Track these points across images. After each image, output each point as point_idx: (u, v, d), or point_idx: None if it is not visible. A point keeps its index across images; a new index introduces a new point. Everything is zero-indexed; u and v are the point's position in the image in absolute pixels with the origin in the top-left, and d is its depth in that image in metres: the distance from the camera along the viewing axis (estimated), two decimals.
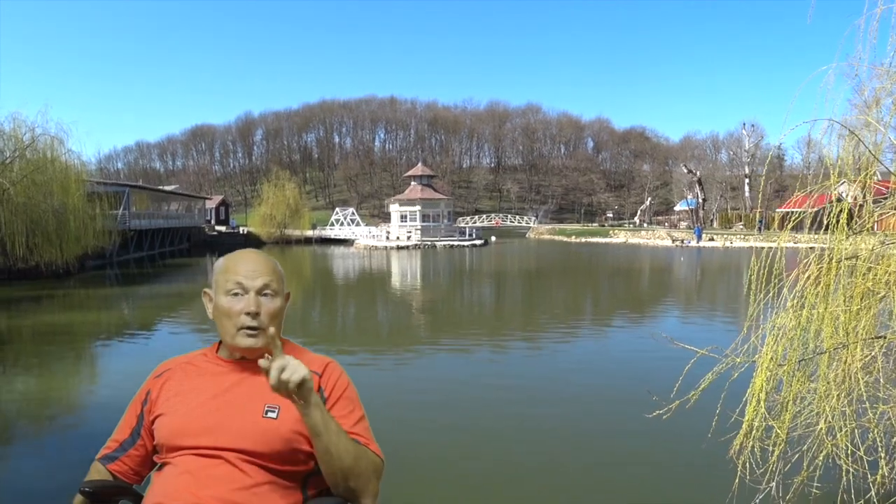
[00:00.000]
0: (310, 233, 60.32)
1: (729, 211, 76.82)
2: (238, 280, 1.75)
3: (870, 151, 3.38)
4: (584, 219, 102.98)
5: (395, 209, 59.21)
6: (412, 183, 60.98)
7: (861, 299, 3.34)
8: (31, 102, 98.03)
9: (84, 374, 10.67)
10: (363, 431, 1.74)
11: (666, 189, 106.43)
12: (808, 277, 3.41)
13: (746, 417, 3.35)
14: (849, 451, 3.26)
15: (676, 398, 3.85)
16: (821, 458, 3.36)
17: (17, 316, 16.34)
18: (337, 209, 66.38)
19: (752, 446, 3.37)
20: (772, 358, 3.34)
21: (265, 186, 61.40)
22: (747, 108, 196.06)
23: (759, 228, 45.13)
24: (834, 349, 3.34)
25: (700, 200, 69.49)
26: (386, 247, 50.82)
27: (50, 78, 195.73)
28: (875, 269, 3.33)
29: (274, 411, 1.67)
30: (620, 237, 59.19)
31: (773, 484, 3.40)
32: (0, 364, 10.79)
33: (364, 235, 58.38)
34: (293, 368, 1.51)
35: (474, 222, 68.88)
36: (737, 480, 3.42)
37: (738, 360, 3.59)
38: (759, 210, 57.92)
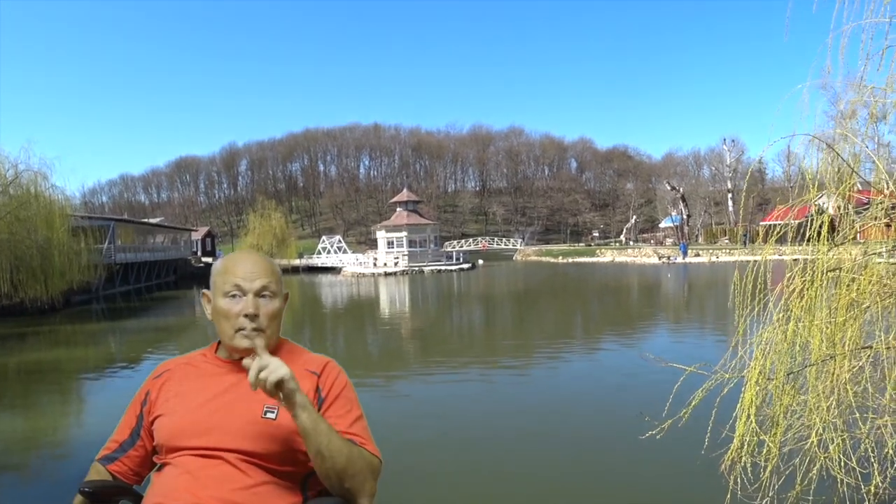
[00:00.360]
0: (297, 262, 60.03)
1: (713, 226, 77.51)
2: (236, 282, 1.74)
3: (848, 165, 3.43)
4: (570, 239, 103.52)
5: (381, 235, 59.20)
6: (398, 209, 61.07)
7: (846, 310, 3.36)
8: (12, 140, 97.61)
9: (71, 411, 10.52)
10: (360, 431, 1.73)
11: (650, 206, 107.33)
12: (793, 291, 3.44)
13: (737, 432, 3.36)
14: (842, 463, 3.27)
15: (668, 417, 3.85)
16: (814, 471, 3.36)
17: (1, 354, 16.13)
18: (323, 237, 66.18)
19: (745, 461, 3.37)
20: (760, 372, 3.35)
21: (251, 216, 61.38)
22: (728, 124, 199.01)
23: (744, 242, 45.51)
24: (822, 361, 3.36)
25: (684, 217, 69.98)
26: (374, 273, 50.68)
27: (31, 114, 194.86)
28: (858, 279, 3.36)
29: (273, 411, 1.66)
30: (607, 256, 59.46)
31: (767, 500, 3.40)
32: None
33: (351, 263, 58.20)
34: (272, 369, 1.51)
35: (461, 246, 68.94)
36: (728, 496, 3.42)
37: (728, 375, 3.60)
38: (742, 224, 58.44)
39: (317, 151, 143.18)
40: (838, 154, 3.41)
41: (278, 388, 1.52)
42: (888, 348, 3.21)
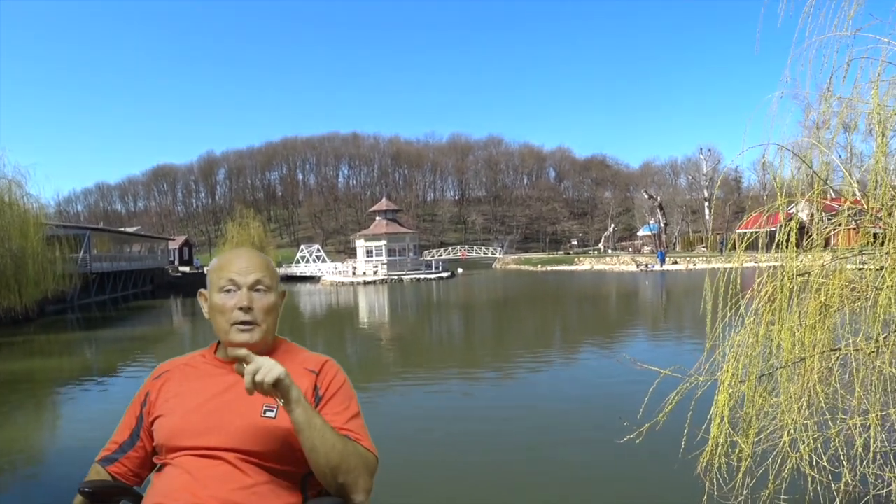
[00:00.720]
0: None
1: (691, 234, 78.37)
2: (231, 277, 1.77)
3: (815, 173, 3.53)
4: (549, 247, 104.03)
5: (360, 244, 59.08)
6: (377, 218, 61.03)
7: (818, 313, 3.45)
8: None
9: (46, 423, 10.36)
10: (357, 428, 1.75)
11: (628, 215, 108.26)
12: (763, 295, 3.52)
13: (712, 434, 3.42)
14: (813, 462, 3.35)
15: (645, 420, 3.91)
16: (786, 470, 3.43)
17: None
18: (302, 246, 65.92)
19: (720, 463, 3.43)
20: (733, 375, 3.43)
21: (229, 226, 61.04)
22: (704, 133, 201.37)
23: (721, 250, 46.01)
24: (793, 363, 3.44)
25: (662, 225, 70.70)
26: (353, 282, 50.56)
27: (4, 119, 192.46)
28: (827, 284, 3.45)
29: (272, 411, 1.68)
30: (586, 264, 59.83)
31: (741, 499, 3.47)
32: None
33: (330, 272, 58.01)
34: (266, 370, 1.53)
35: (440, 255, 69.09)
36: (705, 497, 3.48)
37: (702, 378, 3.67)
38: (719, 232, 59.10)
39: (295, 160, 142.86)
40: (805, 163, 3.52)
41: (275, 387, 1.54)
42: (856, 350, 3.30)
